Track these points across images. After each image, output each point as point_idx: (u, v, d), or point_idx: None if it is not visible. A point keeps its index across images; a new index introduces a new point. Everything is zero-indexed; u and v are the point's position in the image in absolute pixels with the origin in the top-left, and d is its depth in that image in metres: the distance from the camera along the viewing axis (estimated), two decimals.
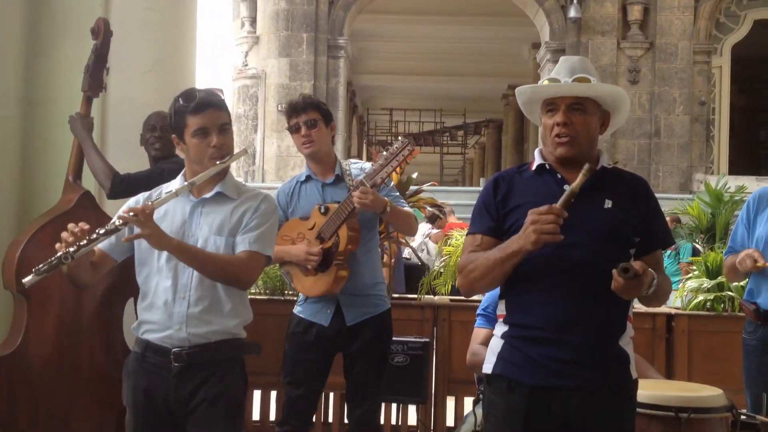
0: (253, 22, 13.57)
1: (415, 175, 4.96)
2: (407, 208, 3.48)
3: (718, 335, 4.33)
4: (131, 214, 2.37)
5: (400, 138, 3.28)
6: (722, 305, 4.54)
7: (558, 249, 2.19)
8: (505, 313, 2.35)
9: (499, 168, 22.23)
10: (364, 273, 3.40)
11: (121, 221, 2.41)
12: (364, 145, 24.04)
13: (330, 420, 4.58)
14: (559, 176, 2.32)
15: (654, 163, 12.64)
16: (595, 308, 2.21)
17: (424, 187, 5.12)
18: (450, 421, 4.51)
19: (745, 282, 3.70)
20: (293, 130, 3.47)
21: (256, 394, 4.58)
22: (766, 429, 3.02)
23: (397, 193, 3.54)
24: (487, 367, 2.33)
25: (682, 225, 8.38)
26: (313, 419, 3.85)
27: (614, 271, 2.11)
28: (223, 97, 2.68)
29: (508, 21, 15.02)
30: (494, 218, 2.33)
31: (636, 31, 12.95)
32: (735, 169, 13.60)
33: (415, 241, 8.45)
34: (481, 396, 2.98)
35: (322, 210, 3.36)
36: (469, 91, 20.72)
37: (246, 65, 13.49)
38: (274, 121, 13.17)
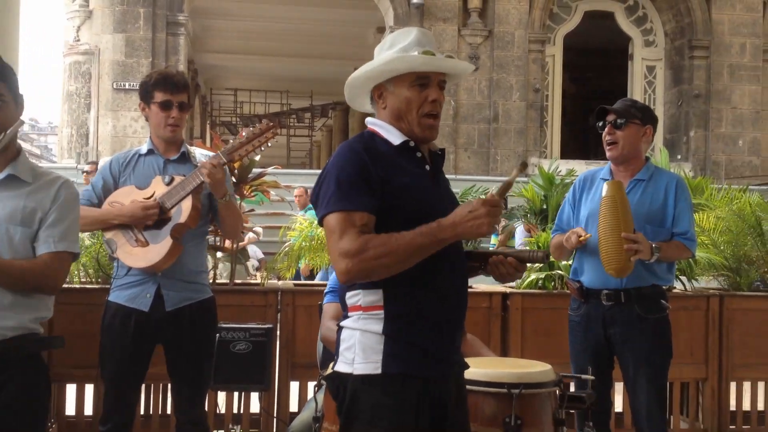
0: None
1: (258, 158, 4.85)
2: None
3: (549, 312, 4.55)
4: None
5: (264, 120, 3.18)
6: (552, 283, 4.79)
7: None
8: (382, 304, 2.14)
9: None
10: (189, 259, 3.26)
11: None
12: (207, 126, 23.43)
13: (150, 412, 4.43)
14: (420, 155, 2.23)
15: (493, 147, 13.13)
16: (465, 300, 2.25)
17: (269, 170, 5.03)
18: (294, 407, 4.49)
19: (571, 261, 3.90)
20: (162, 106, 3.28)
21: (86, 389, 4.36)
22: (591, 400, 3.19)
23: (234, 192, 3.44)
24: (370, 367, 2.11)
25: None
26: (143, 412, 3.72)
27: (510, 259, 2.19)
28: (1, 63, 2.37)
29: (354, 4, 15.06)
30: (376, 195, 2.09)
31: (476, 19, 13.35)
32: (566, 153, 14.38)
33: None
34: (322, 381, 2.97)
35: (166, 180, 3.21)
36: (316, 73, 20.63)
37: (78, 40, 12.75)
38: (109, 100, 12.55)
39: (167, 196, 3.18)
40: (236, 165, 4.48)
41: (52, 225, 2.32)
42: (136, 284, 3.25)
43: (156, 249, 3.18)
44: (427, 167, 2.23)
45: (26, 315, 2.34)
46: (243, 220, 3.36)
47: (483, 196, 2.11)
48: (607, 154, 3.59)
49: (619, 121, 3.52)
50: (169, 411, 4.37)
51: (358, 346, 2.14)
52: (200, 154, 3.40)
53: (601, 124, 3.58)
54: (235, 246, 4.80)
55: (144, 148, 3.39)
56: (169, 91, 3.28)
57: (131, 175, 3.33)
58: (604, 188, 3.39)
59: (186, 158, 3.33)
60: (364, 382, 2.11)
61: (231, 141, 3.22)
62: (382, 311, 2.13)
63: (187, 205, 3.16)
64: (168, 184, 3.20)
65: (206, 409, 3.43)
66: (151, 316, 3.22)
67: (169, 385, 3.44)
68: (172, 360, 3.29)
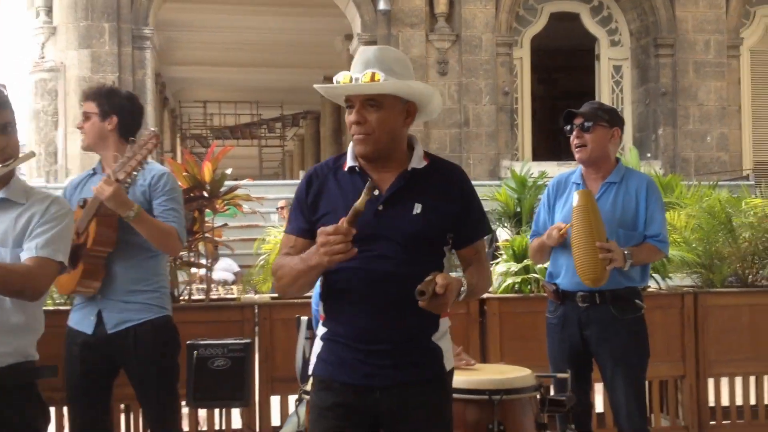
0: (49, 11, 12.69)
1: (229, 171, 4.82)
2: (170, 225, 3.21)
3: (526, 316, 4.57)
4: None
5: (146, 129, 3.18)
6: (529, 287, 4.81)
7: (365, 261, 2.19)
8: (324, 314, 2.36)
9: (318, 159, 22.29)
10: (125, 278, 3.19)
11: None
12: (178, 139, 23.27)
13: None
14: (369, 178, 2.25)
15: (465, 152, 13.16)
16: (405, 317, 2.22)
17: (241, 183, 5.00)
18: (276, 421, 4.46)
19: (548, 264, 3.92)
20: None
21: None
22: (571, 402, 3.21)
23: (175, 207, 3.28)
24: (310, 368, 2.37)
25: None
26: None
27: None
28: (6, 93, 2.42)
29: (321, 12, 15.04)
30: (306, 219, 2.32)
31: (443, 24, 13.40)
32: (538, 155, 14.46)
33: None
34: (303, 395, 2.97)
35: (81, 203, 3.20)
36: (286, 82, 20.58)
37: (43, 57, 12.60)
38: (78, 117, 12.35)
39: (80, 222, 3.13)
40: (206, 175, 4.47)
41: (37, 235, 2.33)
42: (81, 307, 3.25)
43: (72, 276, 3.13)
44: (376, 192, 2.24)
45: (26, 339, 2.33)
46: (170, 236, 3.23)
47: (334, 226, 2.09)
48: (576, 156, 3.62)
49: (586, 124, 3.55)
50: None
51: (314, 347, 2.39)
52: (155, 169, 3.33)
53: (569, 127, 3.61)
54: (209, 262, 4.77)
55: (93, 168, 3.43)
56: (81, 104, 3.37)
57: (79, 197, 3.32)
58: (575, 198, 3.41)
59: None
60: (311, 381, 2.39)
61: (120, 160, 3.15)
62: (323, 321, 2.37)
63: (92, 228, 3.12)
64: (82, 207, 3.17)
65: (181, 428, 3.39)
66: (96, 339, 3.18)
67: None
68: (131, 382, 3.27)
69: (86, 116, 3.31)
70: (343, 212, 2.15)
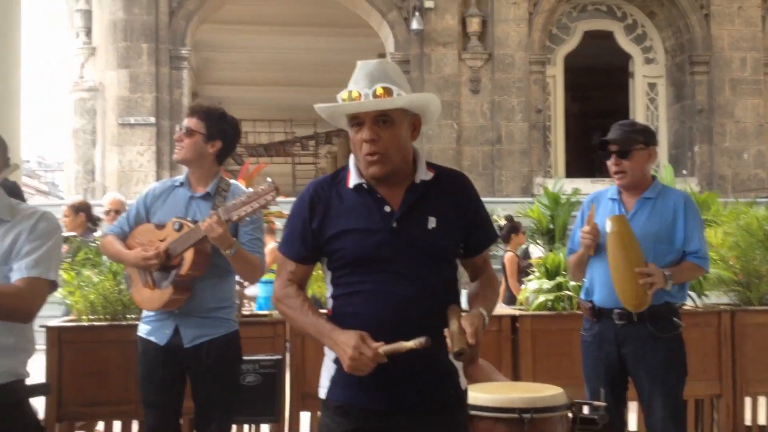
0: (89, 32, 12.97)
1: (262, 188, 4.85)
2: (257, 256, 3.32)
3: (559, 333, 4.53)
4: None
5: (268, 179, 3.21)
6: (562, 304, 4.76)
7: (384, 284, 2.13)
8: None
9: None
10: (207, 296, 3.29)
11: None
12: None
13: None
14: (379, 196, 2.20)
15: (497, 169, 13.13)
16: (424, 327, 2.11)
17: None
18: None
19: (582, 282, 3.88)
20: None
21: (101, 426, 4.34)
22: (604, 421, 3.16)
23: (260, 236, 3.40)
24: (322, 392, 2.26)
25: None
26: None
27: (450, 356, 2.06)
28: None
29: (354, 32, 15.17)
30: (308, 246, 2.21)
31: (475, 43, 13.42)
32: (571, 172, 14.36)
33: None
34: None
35: (176, 227, 3.25)
36: (319, 101, 20.60)
37: (82, 77, 12.86)
38: (115, 135, 12.62)
39: (175, 245, 3.23)
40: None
41: (27, 254, 2.28)
42: (156, 320, 3.33)
43: (158, 294, 3.25)
44: (387, 208, 2.17)
45: (17, 359, 2.32)
46: (257, 269, 3.35)
47: (375, 346, 2.05)
48: (616, 182, 3.59)
49: (623, 150, 3.51)
50: None
51: (324, 370, 2.28)
52: (237, 191, 3.39)
53: (604, 153, 3.57)
54: (242, 278, 4.79)
55: (179, 180, 3.47)
56: (186, 117, 3.43)
57: (161, 208, 3.40)
58: (608, 224, 3.38)
59: (210, 197, 3.34)
60: (323, 405, 2.27)
61: (234, 198, 3.21)
62: None
63: (189, 256, 3.20)
64: (178, 231, 3.24)
65: None
66: (169, 350, 3.27)
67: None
68: (193, 392, 3.33)
69: (190, 132, 3.35)
70: (356, 233, 2.12)
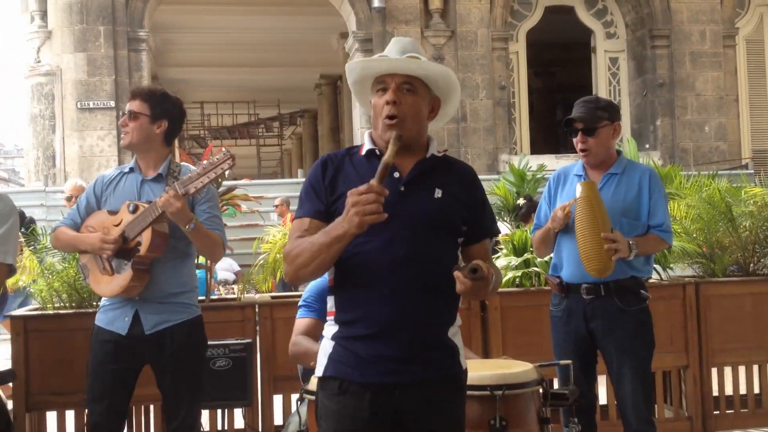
0: (44, 15, 12.68)
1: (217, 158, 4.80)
2: (217, 233, 3.28)
3: (528, 310, 4.54)
4: None
5: (223, 150, 3.16)
6: (530, 281, 4.79)
7: (384, 244, 2.14)
8: (334, 310, 2.26)
9: (317, 158, 22.25)
10: (167, 280, 3.24)
11: None
12: (176, 141, 23.23)
13: None
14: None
15: (463, 147, 13.16)
16: (423, 303, 2.16)
17: (239, 182, 4.98)
18: (278, 420, 4.45)
19: (549, 258, 3.90)
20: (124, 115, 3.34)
21: (66, 415, 4.28)
22: (574, 395, 3.20)
23: (217, 214, 3.37)
24: (319, 370, 2.25)
25: None
26: None
27: (458, 273, 2.05)
28: None
29: (316, 11, 15.03)
30: (323, 201, 2.23)
31: (438, 20, 13.38)
32: (536, 148, 14.46)
33: None
34: (305, 394, 2.95)
35: (131, 208, 3.19)
36: (282, 81, 20.58)
37: (39, 62, 12.59)
38: (74, 120, 12.40)
39: (130, 227, 3.16)
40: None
41: None
42: (114, 308, 3.26)
43: (118, 279, 3.18)
44: (396, 174, 2.22)
45: None
46: (218, 246, 3.30)
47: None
48: (583, 160, 3.60)
49: (588, 128, 3.52)
50: None
51: (321, 349, 2.26)
52: (189, 169, 3.33)
53: (571, 130, 3.58)
54: (208, 262, 4.75)
55: (128, 166, 3.39)
56: (128, 101, 3.35)
57: (111, 195, 3.33)
58: (578, 189, 3.40)
59: (162, 179, 3.29)
60: (320, 385, 2.25)
61: (189, 173, 3.17)
62: (333, 317, 2.25)
63: (147, 236, 3.14)
64: (133, 212, 3.17)
65: (197, 428, 3.38)
66: (130, 339, 3.20)
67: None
68: (159, 381, 3.28)
69: (134, 115, 3.28)
70: None
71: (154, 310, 3.22)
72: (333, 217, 2.15)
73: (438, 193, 2.23)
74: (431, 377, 2.20)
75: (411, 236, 2.17)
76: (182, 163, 3.46)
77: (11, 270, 2.30)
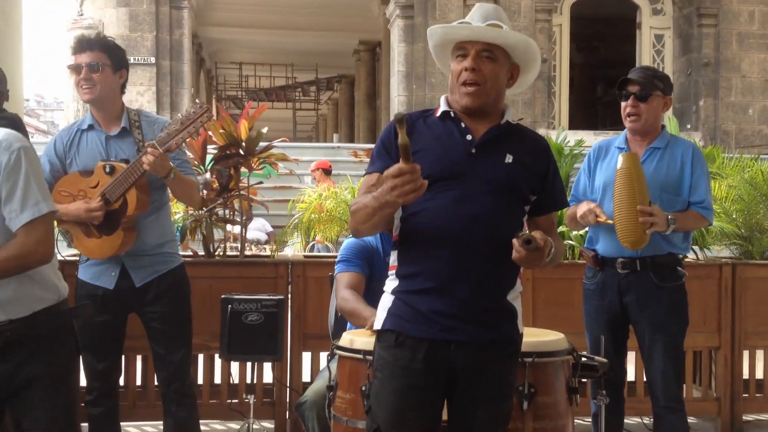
0: None
1: (265, 130, 4.81)
2: (192, 177, 3.32)
3: (561, 282, 4.52)
4: None
5: (197, 101, 3.14)
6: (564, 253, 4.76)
7: (451, 202, 2.18)
8: (396, 264, 2.31)
9: (352, 124, 22.23)
10: (150, 233, 3.26)
11: None
12: (213, 100, 23.34)
13: (139, 383, 4.45)
14: (463, 125, 2.28)
15: None
16: (485, 263, 2.19)
17: (275, 143, 5.00)
18: (306, 377, 4.51)
19: (584, 231, 3.87)
20: (74, 69, 3.19)
21: None
22: (604, 368, 3.19)
23: (186, 158, 3.41)
24: (378, 323, 2.31)
25: None
26: (121, 383, 3.77)
27: (515, 241, 2.09)
28: None
29: None
30: (393, 158, 2.24)
31: None
32: (574, 123, 14.27)
33: None
34: (335, 351, 2.98)
35: (108, 170, 3.14)
36: (321, 46, 20.49)
37: (81, 14, 12.67)
38: None
39: (111, 189, 3.13)
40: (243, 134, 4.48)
41: (8, 199, 2.17)
42: (98, 263, 3.26)
43: (108, 242, 3.17)
44: (469, 137, 2.25)
45: (33, 306, 2.28)
46: (195, 189, 3.35)
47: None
48: (628, 125, 3.54)
49: (643, 93, 3.46)
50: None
51: (380, 304, 2.32)
52: (146, 121, 3.31)
53: (623, 93, 3.52)
54: (244, 218, 4.79)
55: (85, 123, 3.30)
56: (77, 53, 3.20)
57: (76, 155, 3.26)
58: (619, 160, 3.35)
59: (128, 132, 3.24)
60: (377, 337, 2.31)
61: (165, 129, 3.13)
62: (395, 271, 2.29)
63: (131, 196, 3.13)
64: (109, 174, 3.13)
65: (190, 376, 3.44)
66: (117, 292, 3.23)
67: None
68: (148, 329, 3.33)
69: (97, 67, 3.17)
70: (432, 152, 2.18)
71: (142, 263, 3.24)
72: None
73: (509, 159, 2.26)
74: (486, 338, 2.23)
75: (478, 197, 2.20)
76: (134, 108, 3.37)
77: (51, 215, 2.27)
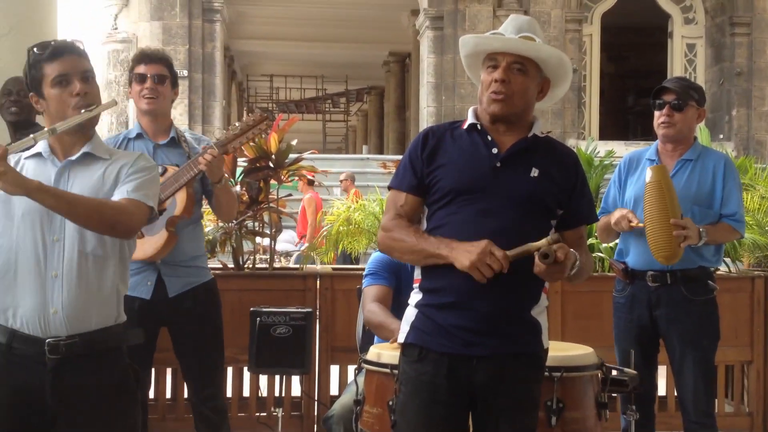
0: None
1: (294, 142, 4.85)
2: (235, 190, 3.39)
3: (590, 295, 4.49)
4: None
5: (257, 109, 3.19)
6: (593, 266, 4.73)
7: (475, 216, 2.18)
8: (420, 278, 2.31)
9: (381, 135, 22.29)
10: (188, 243, 3.28)
11: None
12: (245, 112, 23.55)
13: (168, 396, 4.47)
14: (490, 138, 2.27)
15: None
16: (507, 278, 2.16)
17: (305, 155, 5.03)
18: (334, 390, 4.51)
19: (614, 243, 3.84)
20: (137, 79, 3.27)
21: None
22: (634, 382, 3.16)
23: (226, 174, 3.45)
24: (401, 337, 2.31)
25: None
26: (151, 395, 3.80)
27: (535, 254, 2.09)
28: (83, 47, 2.40)
29: None
30: (418, 175, 2.28)
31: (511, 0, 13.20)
32: (605, 134, 14.18)
33: None
34: (362, 365, 2.98)
35: (160, 171, 3.13)
36: (351, 57, 20.61)
37: (116, 29, 12.89)
38: None
39: (162, 187, 3.13)
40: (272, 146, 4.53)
41: (126, 181, 2.31)
42: (136, 272, 3.24)
43: (152, 241, 3.18)
44: (495, 150, 2.25)
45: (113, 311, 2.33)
46: (235, 200, 3.42)
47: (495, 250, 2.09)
48: (661, 132, 3.49)
49: (679, 102, 3.43)
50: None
51: (405, 317, 2.33)
52: (190, 136, 3.40)
53: (658, 103, 3.49)
54: (273, 230, 4.82)
55: (133, 132, 3.37)
56: (144, 64, 3.28)
57: None
58: (648, 173, 3.31)
59: (176, 143, 3.31)
60: (402, 351, 2.32)
61: (224, 132, 3.20)
62: (419, 284, 2.31)
63: (181, 197, 3.16)
64: (161, 174, 3.16)
65: (222, 389, 3.49)
66: (153, 303, 3.24)
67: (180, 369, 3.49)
68: (179, 343, 3.34)
69: (163, 79, 3.28)
70: (457, 166, 2.20)
71: (178, 272, 3.26)
72: (428, 189, 2.26)
73: (534, 173, 2.25)
74: (508, 352, 2.22)
75: (502, 211, 2.20)
76: (182, 128, 3.46)
77: (152, 214, 2.35)
